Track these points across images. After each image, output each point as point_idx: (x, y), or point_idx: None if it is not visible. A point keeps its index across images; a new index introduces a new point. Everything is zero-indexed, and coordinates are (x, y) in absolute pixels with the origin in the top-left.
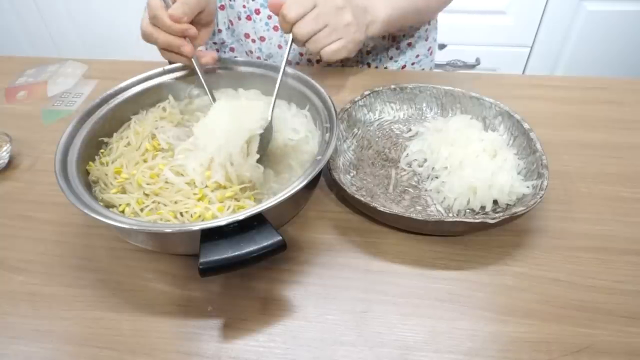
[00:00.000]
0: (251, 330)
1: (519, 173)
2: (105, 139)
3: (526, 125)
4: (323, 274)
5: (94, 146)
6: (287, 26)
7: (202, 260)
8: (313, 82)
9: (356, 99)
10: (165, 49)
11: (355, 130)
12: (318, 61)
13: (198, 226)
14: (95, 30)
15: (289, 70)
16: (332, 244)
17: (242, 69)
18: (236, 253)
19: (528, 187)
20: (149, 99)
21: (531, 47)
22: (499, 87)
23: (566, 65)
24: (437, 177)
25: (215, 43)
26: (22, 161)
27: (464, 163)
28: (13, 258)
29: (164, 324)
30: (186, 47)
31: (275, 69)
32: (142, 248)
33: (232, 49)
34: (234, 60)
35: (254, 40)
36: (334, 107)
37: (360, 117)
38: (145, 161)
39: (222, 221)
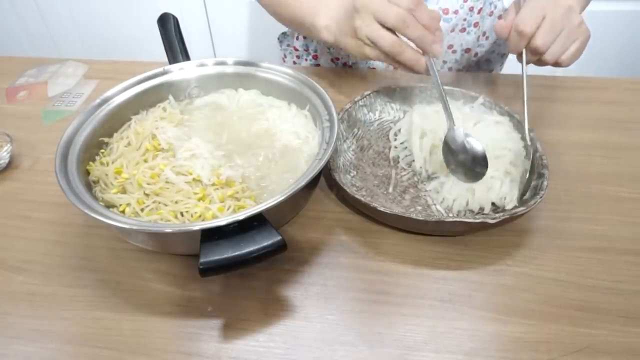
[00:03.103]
0: (251, 330)
1: None
2: (106, 139)
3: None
4: (323, 274)
5: (95, 146)
6: (524, 41)
7: (202, 260)
8: (313, 82)
9: (356, 99)
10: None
11: (356, 130)
12: (346, 64)
13: (198, 226)
14: (96, 30)
15: (289, 70)
16: (332, 244)
17: (242, 69)
18: (236, 253)
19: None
20: (149, 99)
21: None
22: (499, 87)
23: None
24: (436, 178)
25: (296, 49)
26: (23, 161)
27: None
28: (13, 258)
29: (164, 324)
30: (437, 46)
31: (275, 69)
32: (142, 248)
33: (315, 57)
34: (234, 60)
35: None
36: (334, 107)
37: (360, 117)
38: (145, 161)
39: (222, 221)
